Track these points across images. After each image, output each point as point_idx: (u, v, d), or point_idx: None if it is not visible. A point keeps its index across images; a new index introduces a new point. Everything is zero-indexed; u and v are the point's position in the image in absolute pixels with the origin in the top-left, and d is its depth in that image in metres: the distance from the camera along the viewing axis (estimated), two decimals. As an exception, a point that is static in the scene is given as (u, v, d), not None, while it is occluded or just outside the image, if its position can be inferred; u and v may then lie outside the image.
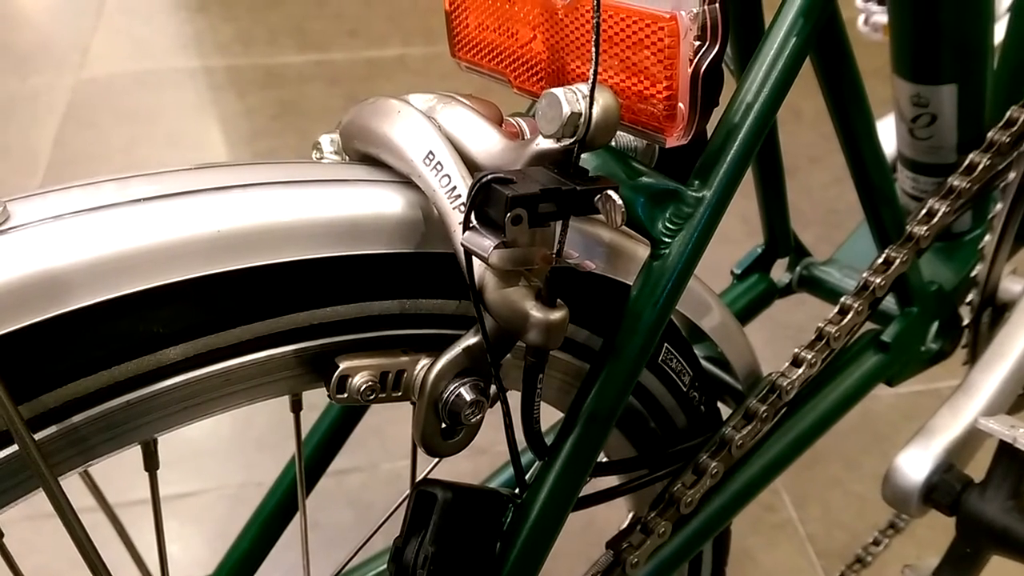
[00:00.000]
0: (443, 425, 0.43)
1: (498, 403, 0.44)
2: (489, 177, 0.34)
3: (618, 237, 0.48)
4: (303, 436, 0.66)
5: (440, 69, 2.08)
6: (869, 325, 0.71)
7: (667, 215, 0.45)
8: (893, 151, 0.80)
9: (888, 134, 0.80)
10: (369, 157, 0.44)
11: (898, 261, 0.60)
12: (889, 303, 0.70)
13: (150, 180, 0.37)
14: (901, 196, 0.81)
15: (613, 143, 0.50)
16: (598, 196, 0.35)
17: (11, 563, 0.40)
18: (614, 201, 0.35)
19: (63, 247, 0.33)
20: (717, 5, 0.38)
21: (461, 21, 0.51)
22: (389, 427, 1.24)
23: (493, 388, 0.44)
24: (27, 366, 0.33)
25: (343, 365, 0.40)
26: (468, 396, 0.41)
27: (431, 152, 0.40)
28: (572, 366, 0.51)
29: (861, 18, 0.95)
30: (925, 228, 0.60)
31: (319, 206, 0.38)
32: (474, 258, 0.38)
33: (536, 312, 0.38)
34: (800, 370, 0.57)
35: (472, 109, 0.43)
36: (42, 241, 0.32)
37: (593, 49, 0.34)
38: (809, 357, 0.57)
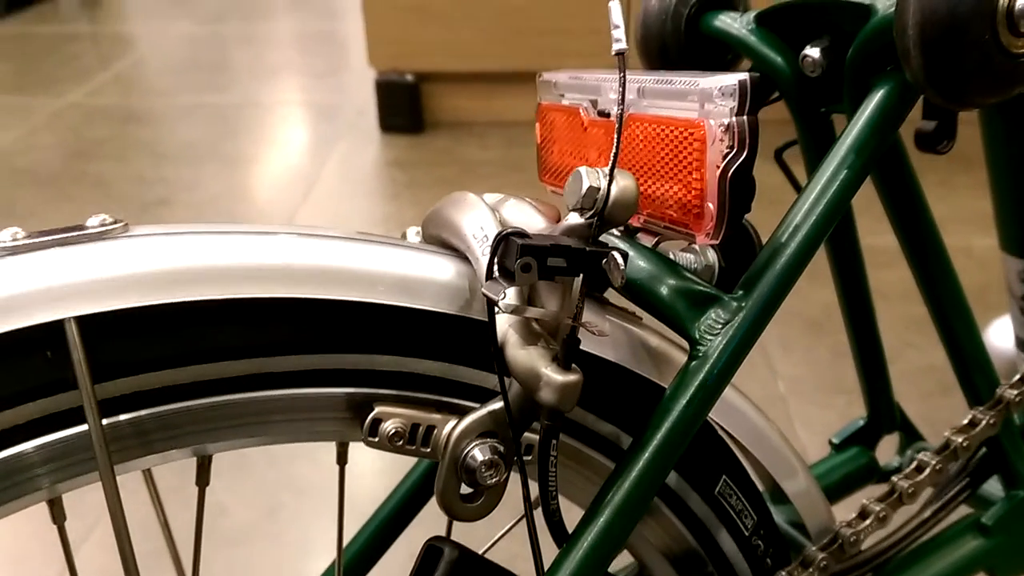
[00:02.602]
0: (463, 487, 0.45)
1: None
2: (508, 231, 0.39)
3: (662, 342, 0.50)
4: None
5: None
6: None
7: (706, 319, 0.47)
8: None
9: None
10: (443, 241, 0.50)
11: (984, 423, 0.57)
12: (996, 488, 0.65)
13: (251, 224, 0.45)
14: (1022, 384, 0.76)
15: (673, 257, 0.53)
16: (605, 259, 0.38)
17: (67, 549, 0.45)
18: (617, 263, 0.38)
19: (161, 253, 0.40)
20: (745, 117, 0.42)
21: (548, 151, 0.58)
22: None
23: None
24: (107, 350, 0.40)
25: (378, 409, 0.44)
26: (484, 456, 0.43)
27: (482, 228, 0.45)
28: (605, 467, 0.51)
29: None
30: (1016, 392, 0.57)
31: (376, 259, 0.44)
32: (499, 318, 0.42)
33: (550, 372, 0.41)
34: (866, 522, 0.54)
35: (531, 204, 0.48)
36: (146, 247, 0.40)
37: (615, 136, 0.39)
38: (877, 510, 0.54)
